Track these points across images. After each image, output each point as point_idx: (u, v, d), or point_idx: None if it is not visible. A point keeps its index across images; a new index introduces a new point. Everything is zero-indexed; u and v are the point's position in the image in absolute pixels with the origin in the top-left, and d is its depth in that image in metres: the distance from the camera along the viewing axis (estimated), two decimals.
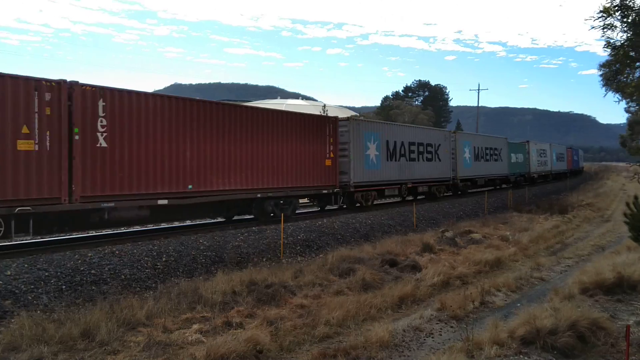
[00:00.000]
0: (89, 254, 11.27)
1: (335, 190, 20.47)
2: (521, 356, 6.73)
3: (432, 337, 7.99)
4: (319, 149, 19.55)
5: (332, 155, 20.19)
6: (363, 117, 22.41)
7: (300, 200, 20.08)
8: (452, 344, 7.36)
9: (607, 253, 14.77)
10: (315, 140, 19.38)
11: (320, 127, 19.81)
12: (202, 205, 15.48)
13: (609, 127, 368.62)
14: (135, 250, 12.00)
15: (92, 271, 10.59)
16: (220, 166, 15.45)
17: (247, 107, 17.98)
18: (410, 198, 27.32)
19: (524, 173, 43.51)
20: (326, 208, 22.18)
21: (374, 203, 23.65)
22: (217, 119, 15.39)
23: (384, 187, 23.59)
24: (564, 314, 7.42)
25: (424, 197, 28.60)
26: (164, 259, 12.01)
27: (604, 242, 18.02)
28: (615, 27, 8.83)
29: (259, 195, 16.90)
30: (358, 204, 22.28)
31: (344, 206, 22.07)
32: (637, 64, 9.99)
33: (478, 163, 33.36)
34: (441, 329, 8.39)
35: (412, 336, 7.94)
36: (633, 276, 10.57)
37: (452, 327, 8.50)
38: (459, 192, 31.71)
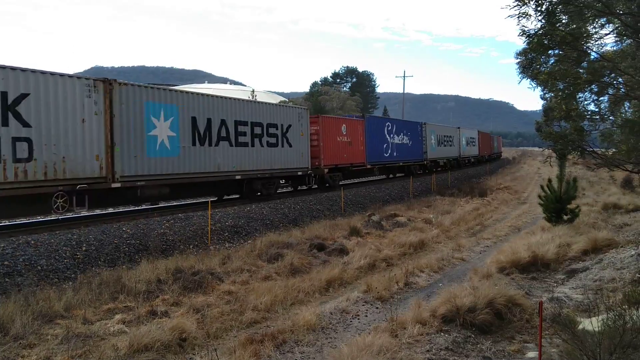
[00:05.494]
0: (1, 245, 10.64)
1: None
2: (442, 334, 6.96)
3: (358, 319, 8.13)
4: None
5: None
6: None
7: None
8: (377, 325, 7.52)
9: (522, 233, 15.51)
10: None
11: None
12: None
13: (525, 113, 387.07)
14: (52, 240, 11.44)
15: (5, 262, 10.01)
16: None
17: None
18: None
19: None
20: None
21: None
22: None
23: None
24: (482, 292, 7.73)
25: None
26: (84, 249, 11.53)
27: (520, 223, 18.92)
28: (530, 15, 9.15)
29: None
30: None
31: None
32: (551, 52, 10.43)
33: None
34: (367, 310, 8.56)
35: (339, 318, 8.05)
36: (547, 255, 11.21)
37: (377, 308, 8.68)
38: None
